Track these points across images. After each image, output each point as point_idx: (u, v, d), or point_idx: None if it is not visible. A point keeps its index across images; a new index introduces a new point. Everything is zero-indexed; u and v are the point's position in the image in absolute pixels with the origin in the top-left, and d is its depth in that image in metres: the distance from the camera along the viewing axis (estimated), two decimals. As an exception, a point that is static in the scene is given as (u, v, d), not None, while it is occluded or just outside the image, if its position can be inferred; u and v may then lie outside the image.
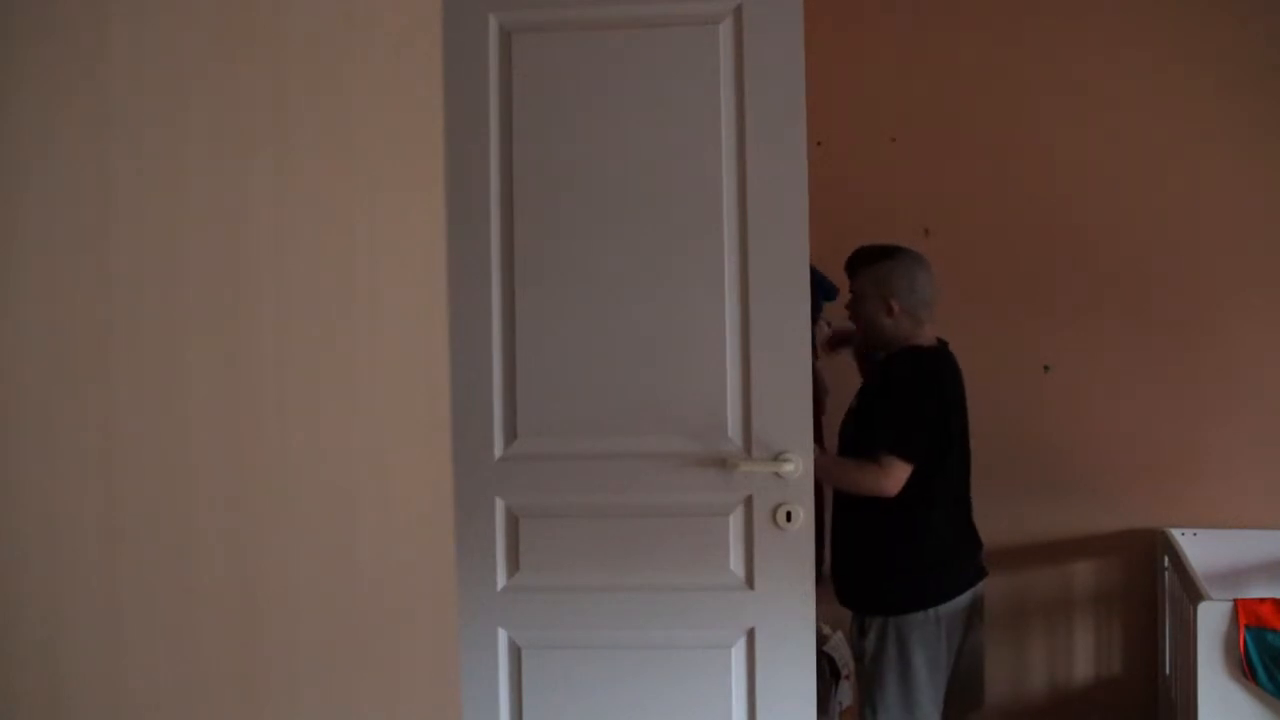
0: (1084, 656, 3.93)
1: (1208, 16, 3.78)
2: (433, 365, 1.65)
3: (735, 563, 2.64)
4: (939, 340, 3.24)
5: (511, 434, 2.68)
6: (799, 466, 2.60)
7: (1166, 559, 3.73)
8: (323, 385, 1.41)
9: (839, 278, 3.46)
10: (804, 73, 2.60)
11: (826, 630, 3.55)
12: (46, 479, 1.04)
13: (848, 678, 3.55)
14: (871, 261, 3.20)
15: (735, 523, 2.64)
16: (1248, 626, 3.03)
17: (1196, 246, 3.81)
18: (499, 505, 2.69)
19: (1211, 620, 3.07)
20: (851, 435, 3.19)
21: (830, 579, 3.25)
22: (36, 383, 1.03)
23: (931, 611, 3.10)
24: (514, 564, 2.70)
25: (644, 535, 2.67)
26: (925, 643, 3.09)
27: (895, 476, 3.01)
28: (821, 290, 3.54)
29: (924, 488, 3.10)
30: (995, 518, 3.53)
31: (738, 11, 2.61)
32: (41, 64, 1.01)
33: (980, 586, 3.23)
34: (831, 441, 3.41)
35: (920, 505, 3.11)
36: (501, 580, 2.71)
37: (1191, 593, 3.23)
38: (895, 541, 3.13)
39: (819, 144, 3.54)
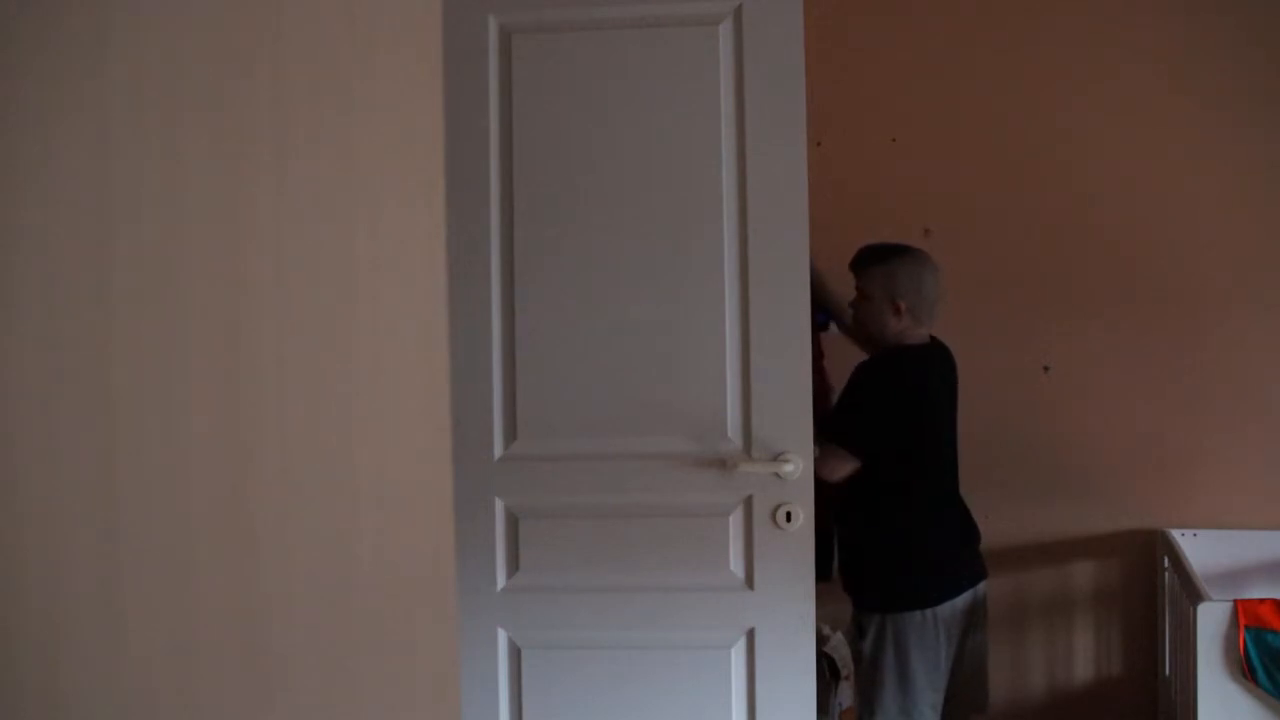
0: (1084, 656, 3.92)
1: (1210, 20, 3.78)
2: (433, 365, 1.65)
3: (735, 563, 2.64)
4: (931, 338, 3.24)
5: (511, 434, 2.69)
6: (799, 466, 2.60)
7: (1166, 559, 3.73)
8: (323, 386, 1.41)
9: (847, 291, 3.46)
10: (804, 73, 2.60)
11: (826, 630, 3.55)
12: (46, 479, 1.04)
13: (848, 678, 3.55)
14: (879, 260, 3.19)
15: (735, 523, 2.64)
16: (1247, 627, 3.03)
17: (1196, 246, 3.81)
18: (499, 505, 2.69)
19: (1211, 621, 3.06)
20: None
21: (840, 577, 3.26)
22: (36, 383, 1.03)
23: (929, 612, 3.10)
24: (514, 564, 2.71)
25: (644, 535, 2.67)
26: (922, 644, 3.09)
27: (828, 464, 2.98)
28: (836, 307, 3.53)
29: (902, 485, 3.10)
30: (995, 518, 3.53)
31: (738, 11, 2.61)
32: (42, 72, 1.01)
33: (981, 588, 3.23)
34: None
35: (904, 503, 3.11)
36: (501, 580, 2.71)
37: (1191, 593, 3.23)
38: (887, 540, 3.13)
39: (819, 144, 3.54)
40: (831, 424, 3.07)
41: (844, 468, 3.04)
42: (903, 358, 3.19)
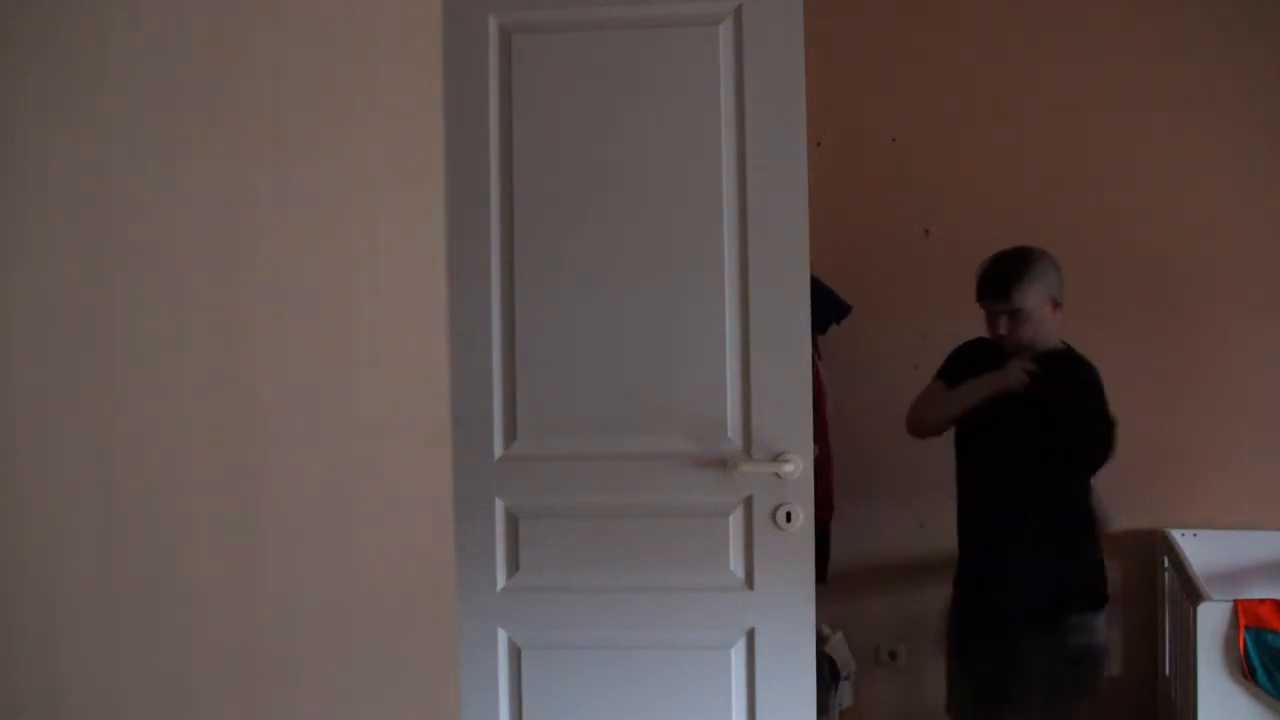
0: (1084, 656, 3.92)
1: (1216, 21, 3.78)
2: (433, 365, 1.65)
3: (735, 563, 2.64)
4: None
5: (511, 434, 2.68)
6: (799, 467, 2.60)
7: (1166, 559, 3.73)
8: (323, 385, 1.41)
9: (847, 292, 3.46)
10: (804, 73, 2.60)
11: (826, 631, 3.55)
12: (46, 478, 1.04)
13: (847, 678, 3.55)
14: (1024, 270, 3.16)
15: (735, 523, 2.64)
16: (1247, 627, 3.04)
17: (1196, 246, 3.81)
18: (499, 505, 2.69)
19: (1211, 621, 3.06)
20: (1028, 443, 3.19)
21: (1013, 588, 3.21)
22: (36, 383, 1.03)
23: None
24: (514, 564, 2.70)
25: (644, 535, 2.66)
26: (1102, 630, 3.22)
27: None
28: (835, 310, 3.53)
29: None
30: (995, 518, 3.51)
31: (738, 11, 2.61)
32: (42, 72, 1.01)
33: None
34: (836, 444, 3.41)
35: (1093, 499, 3.24)
36: (501, 580, 2.70)
37: (1191, 593, 3.23)
38: (1095, 538, 3.24)
39: (819, 144, 3.54)
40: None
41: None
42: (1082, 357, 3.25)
